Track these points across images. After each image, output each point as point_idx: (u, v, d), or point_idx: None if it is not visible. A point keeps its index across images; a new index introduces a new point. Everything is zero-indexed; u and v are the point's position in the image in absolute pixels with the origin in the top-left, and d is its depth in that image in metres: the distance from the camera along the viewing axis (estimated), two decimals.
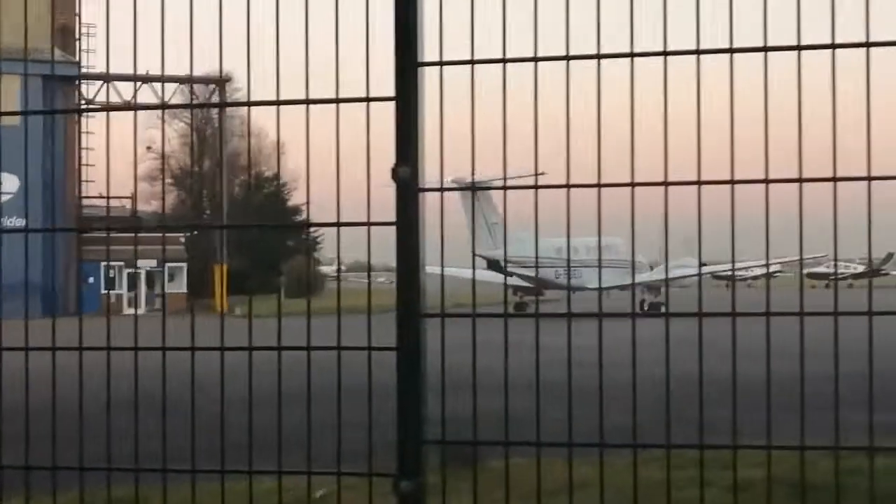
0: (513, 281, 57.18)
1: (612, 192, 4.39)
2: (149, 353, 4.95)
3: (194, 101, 62.38)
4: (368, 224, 4.45)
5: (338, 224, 4.57)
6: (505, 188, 4.47)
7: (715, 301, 4.76)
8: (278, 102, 4.67)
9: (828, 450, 4.60)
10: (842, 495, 5.98)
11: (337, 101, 4.51)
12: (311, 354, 4.85)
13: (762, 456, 4.63)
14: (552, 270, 58.39)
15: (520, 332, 5.00)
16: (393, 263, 4.34)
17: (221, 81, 66.12)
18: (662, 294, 58.45)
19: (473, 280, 4.36)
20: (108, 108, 5.31)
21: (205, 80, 67.74)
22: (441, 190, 4.35)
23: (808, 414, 4.60)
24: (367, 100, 4.43)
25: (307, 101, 4.57)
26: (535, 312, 4.58)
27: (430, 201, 4.41)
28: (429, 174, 4.39)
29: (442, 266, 4.42)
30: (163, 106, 6.30)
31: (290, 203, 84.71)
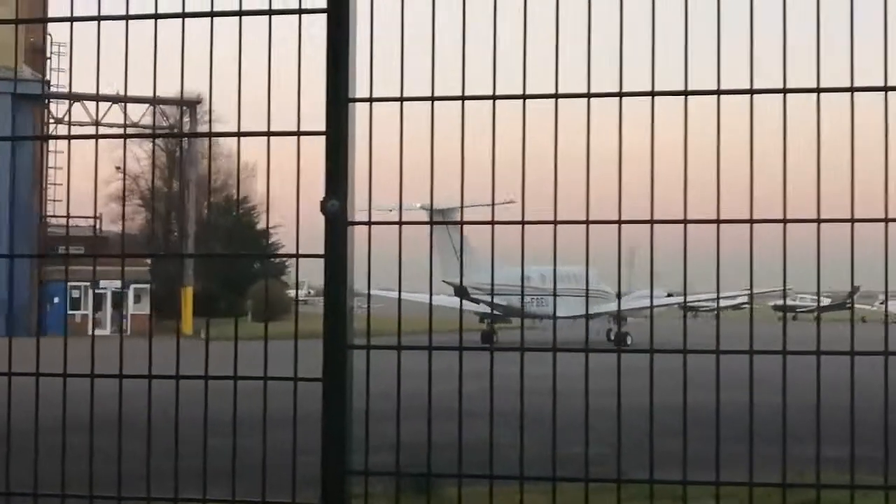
0: (481, 308, 57.28)
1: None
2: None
3: (165, 122, 62.22)
4: (297, 256, 4.53)
5: (297, 255, 4.62)
6: (462, 223, 4.54)
7: (678, 332, 4.81)
8: (238, 134, 4.73)
9: (776, 486, 4.65)
10: None
11: (268, 134, 4.59)
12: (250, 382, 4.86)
13: (714, 489, 4.69)
14: (519, 299, 58.55)
15: (485, 361, 5.04)
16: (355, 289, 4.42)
17: (192, 103, 65.99)
18: (628, 324, 58.70)
19: (430, 307, 4.42)
20: (70, 136, 5.34)
21: (174, 102, 67.60)
22: (370, 224, 4.43)
23: (764, 447, 4.66)
24: (298, 134, 4.52)
25: (238, 134, 4.65)
26: (491, 345, 4.61)
27: (388, 231, 4.48)
28: (389, 201, 4.45)
29: (391, 291, 4.47)
30: (125, 136, 6.32)
31: (259, 226, 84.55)
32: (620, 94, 4.36)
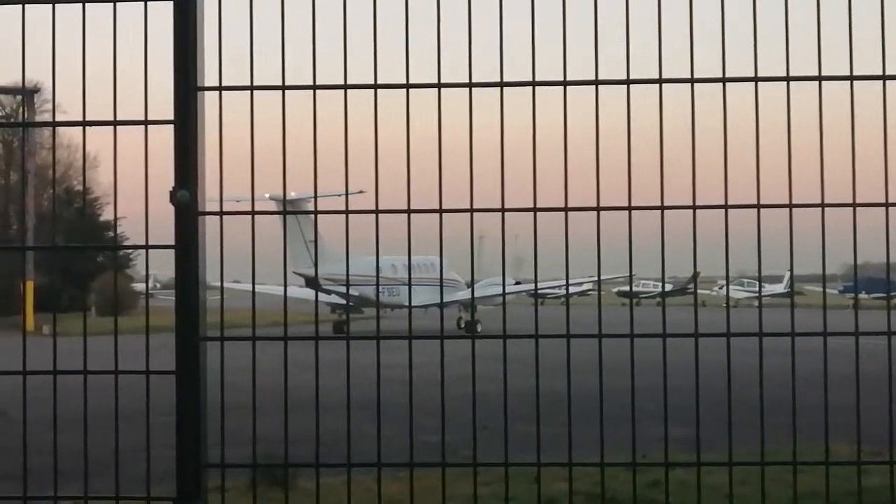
0: (333, 299, 56.99)
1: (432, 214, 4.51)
2: None
3: (1, 112, 59.98)
4: (147, 247, 4.47)
5: (146, 247, 4.54)
6: (316, 212, 4.53)
7: (527, 319, 4.90)
8: (84, 123, 4.61)
9: (626, 466, 4.79)
10: None
11: (115, 123, 4.52)
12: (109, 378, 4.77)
13: (571, 472, 4.80)
14: (371, 289, 58.55)
15: (341, 351, 5.05)
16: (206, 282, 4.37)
17: (30, 92, 63.74)
18: (478, 312, 59.23)
19: (285, 298, 4.40)
20: None
21: (10, 91, 65.29)
22: (221, 214, 4.40)
23: (615, 428, 4.79)
24: (146, 122, 4.46)
25: (84, 124, 4.55)
26: (347, 334, 4.62)
27: (235, 224, 4.45)
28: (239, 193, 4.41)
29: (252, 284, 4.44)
30: None
31: (103, 219, 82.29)
32: (470, 85, 4.42)
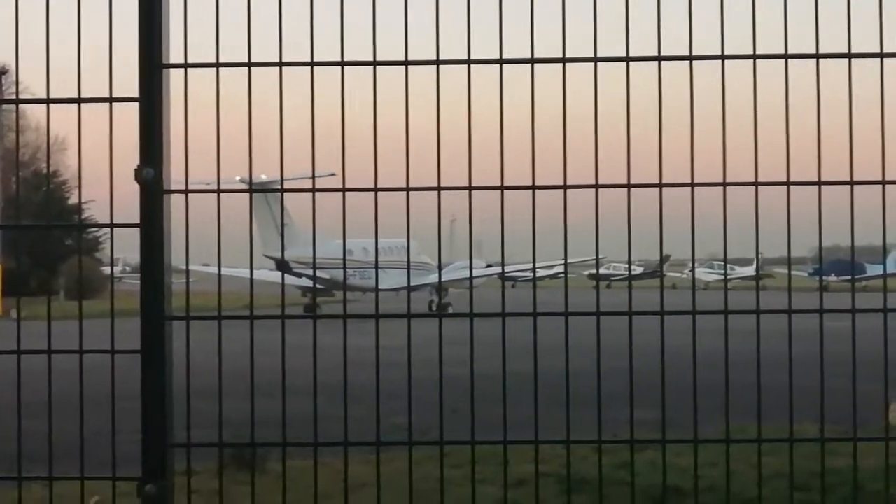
0: (303, 282, 56.92)
1: (400, 195, 4.49)
2: None
3: None
4: (111, 226, 4.45)
5: (111, 225, 4.50)
6: (282, 190, 4.51)
7: (498, 302, 4.90)
8: (48, 101, 4.56)
9: (592, 443, 4.80)
10: (609, 488, 6.27)
11: (79, 100, 4.48)
12: (83, 358, 4.74)
13: (541, 452, 4.81)
14: (341, 272, 58.44)
15: (310, 334, 5.03)
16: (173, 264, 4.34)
17: None
18: (449, 295, 59.34)
19: (251, 278, 4.37)
20: None
21: None
22: (186, 192, 4.37)
23: (580, 410, 4.80)
24: (110, 100, 4.42)
25: (48, 101, 4.51)
26: (313, 314, 4.61)
27: (205, 206, 4.42)
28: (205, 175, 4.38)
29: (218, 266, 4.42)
30: None
31: (71, 201, 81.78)
32: (437, 62, 4.40)
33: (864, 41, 4.54)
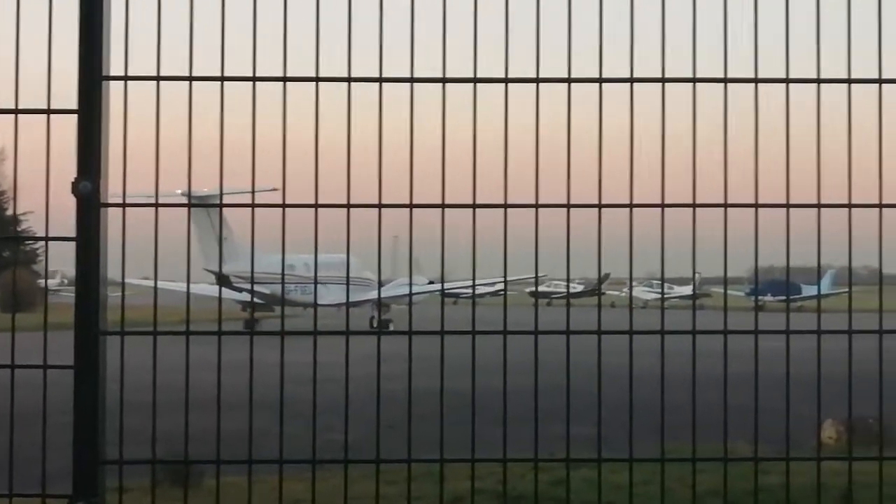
0: (244, 297, 56.39)
1: (340, 212, 4.47)
2: None
3: None
4: (46, 239, 4.39)
5: (46, 238, 4.44)
6: (221, 205, 4.48)
7: (439, 319, 4.89)
8: None
9: (528, 461, 4.81)
10: None
11: (16, 111, 4.42)
12: (15, 372, 4.66)
13: (477, 469, 4.80)
14: (284, 287, 57.99)
15: (247, 352, 4.99)
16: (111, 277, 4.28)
17: None
18: (391, 311, 59.16)
19: (188, 291, 4.33)
20: None
21: None
22: (124, 206, 4.33)
23: (517, 427, 4.81)
24: (48, 112, 4.37)
25: None
26: (251, 330, 4.58)
27: (144, 220, 4.37)
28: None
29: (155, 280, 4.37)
30: None
31: (10, 213, 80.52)
32: (381, 79, 4.40)
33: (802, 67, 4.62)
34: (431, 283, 60.57)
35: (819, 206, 4.60)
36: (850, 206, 4.61)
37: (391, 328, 48.84)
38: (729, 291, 5.50)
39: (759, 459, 4.85)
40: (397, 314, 59.08)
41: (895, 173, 4.79)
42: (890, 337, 4.76)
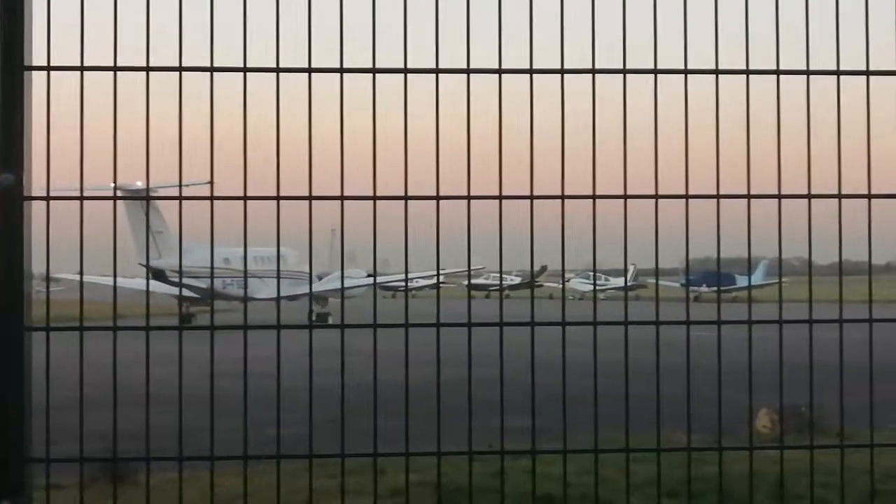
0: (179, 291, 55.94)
1: (284, 204, 4.43)
2: None
3: None
4: None
5: None
6: (148, 198, 4.41)
7: (379, 312, 4.88)
8: None
9: (463, 454, 4.80)
10: (483, 496, 6.28)
11: None
12: None
13: (417, 462, 4.79)
14: (219, 281, 57.66)
15: (190, 344, 4.93)
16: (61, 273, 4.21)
17: None
18: (329, 305, 59.00)
19: (115, 290, 4.26)
20: None
21: None
22: (48, 199, 4.25)
23: (452, 420, 4.80)
24: None
25: None
26: (179, 325, 4.51)
27: (75, 213, 4.29)
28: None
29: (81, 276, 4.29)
30: None
31: None
32: (341, 70, 4.36)
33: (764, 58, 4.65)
34: (370, 276, 60.54)
35: (749, 196, 4.64)
36: (779, 196, 4.66)
37: (329, 321, 48.85)
38: (664, 282, 5.55)
39: (692, 449, 4.88)
40: (335, 307, 58.94)
41: (824, 163, 4.84)
42: (820, 326, 4.81)
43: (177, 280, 52.08)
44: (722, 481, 4.95)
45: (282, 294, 50.89)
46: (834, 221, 4.75)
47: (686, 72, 4.58)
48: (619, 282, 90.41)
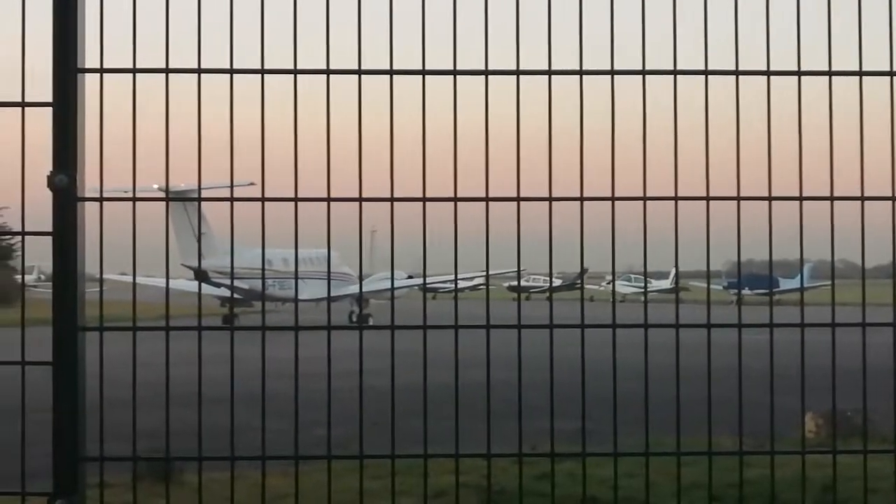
0: (222, 292, 56.28)
1: (323, 206, 4.44)
2: None
3: None
4: (23, 234, 4.35)
5: (22, 233, 4.39)
6: (199, 199, 4.44)
7: (419, 313, 4.88)
8: None
9: (512, 456, 4.80)
10: (529, 499, 6.28)
11: None
12: None
13: (460, 463, 4.79)
14: (261, 282, 57.84)
15: (228, 345, 4.96)
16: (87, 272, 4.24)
17: None
18: (370, 306, 59.15)
19: (167, 286, 4.30)
20: None
21: None
22: (101, 200, 4.29)
23: (500, 421, 4.79)
24: (23, 105, 4.32)
25: None
26: (231, 325, 4.54)
27: (122, 214, 4.34)
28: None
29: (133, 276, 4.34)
30: None
31: None
32: (360, 72, 4.37)
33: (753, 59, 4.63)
34: (410, 277, 60.60)
35: (801, 199, 4.60)
36: (832, 198, 4.62)
37: (370, 322, 48.99)
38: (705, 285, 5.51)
39: (744, 453, 4.85)
40: (376, 309, 59.07)
41: (875, 167, 4.79)
42: (869, 330, 4.77)
43: (219, 281, 52.38)
44: (767, 485, 4.92)
45: (324, 294, 51.02)
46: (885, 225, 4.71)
47: (675, 72, 4.54)
48: (661, 284, 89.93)
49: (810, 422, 19.27)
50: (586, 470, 4.77)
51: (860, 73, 4.63)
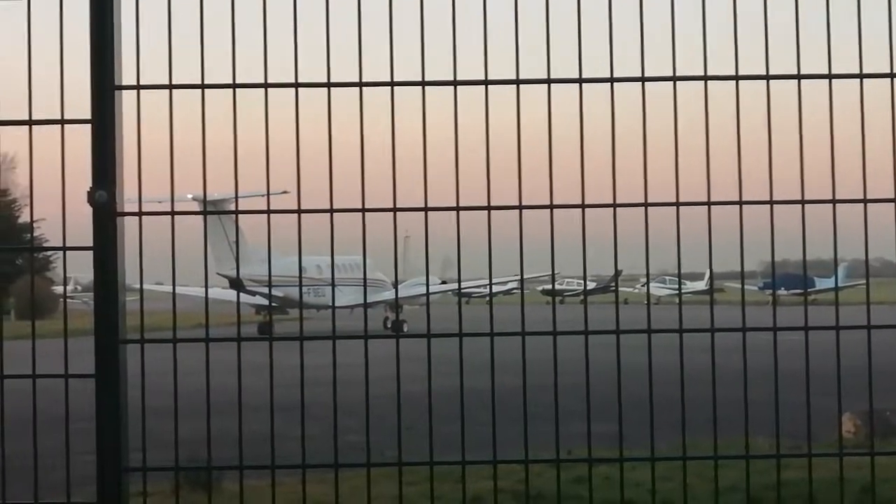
0: (257, 300, 56.48)
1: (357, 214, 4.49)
2: None
3: None
4: (64, 249, 4.42)
5: (63, 248, 4.46)
6: (237, 212, 4.50)
7: (452, 318, 4.91)
8: None
9: (550, 462, 4.81)
10: (565, 502, 6.28)
11: (30, 122, 4.44)
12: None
13: (496, 469, 4.81)
14: (294, 290, 58.09)
15: (265, 353, 5.00)
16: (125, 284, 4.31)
17: None
18: (404, 312, 59.18)
19: (206, 298, 4.35)
20: None
21: None
22: (140, 214, 4.35)
23: (537, 426, 4.82)
24: (62, 122, 4.39)
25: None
26: (269, 336, 4.59)
27: (159, 225, 4.40)
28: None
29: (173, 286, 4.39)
30: None
31: (22, 220, 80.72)
32: (393, 83, 4.41)
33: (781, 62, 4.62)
34: (444, 283, 60.57)
35: (834, 201, 4.60)
36: (864, 201, 4.61)
37: (405, 329, 49.03)
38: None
39: (781, 456, 4.84)
40: (410, 314, 59.06)
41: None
42: None
43: (254, 289, 52.58)
44: (805, 487, 4.91)
45: (359, 302, 51.05)
46: None
47: (675, 79, 4.55)
48: (696, 286, 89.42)
49: (848, 423, 19.11)
50: (614, 474, 4.78)
51: (859, 76, 4.62)
